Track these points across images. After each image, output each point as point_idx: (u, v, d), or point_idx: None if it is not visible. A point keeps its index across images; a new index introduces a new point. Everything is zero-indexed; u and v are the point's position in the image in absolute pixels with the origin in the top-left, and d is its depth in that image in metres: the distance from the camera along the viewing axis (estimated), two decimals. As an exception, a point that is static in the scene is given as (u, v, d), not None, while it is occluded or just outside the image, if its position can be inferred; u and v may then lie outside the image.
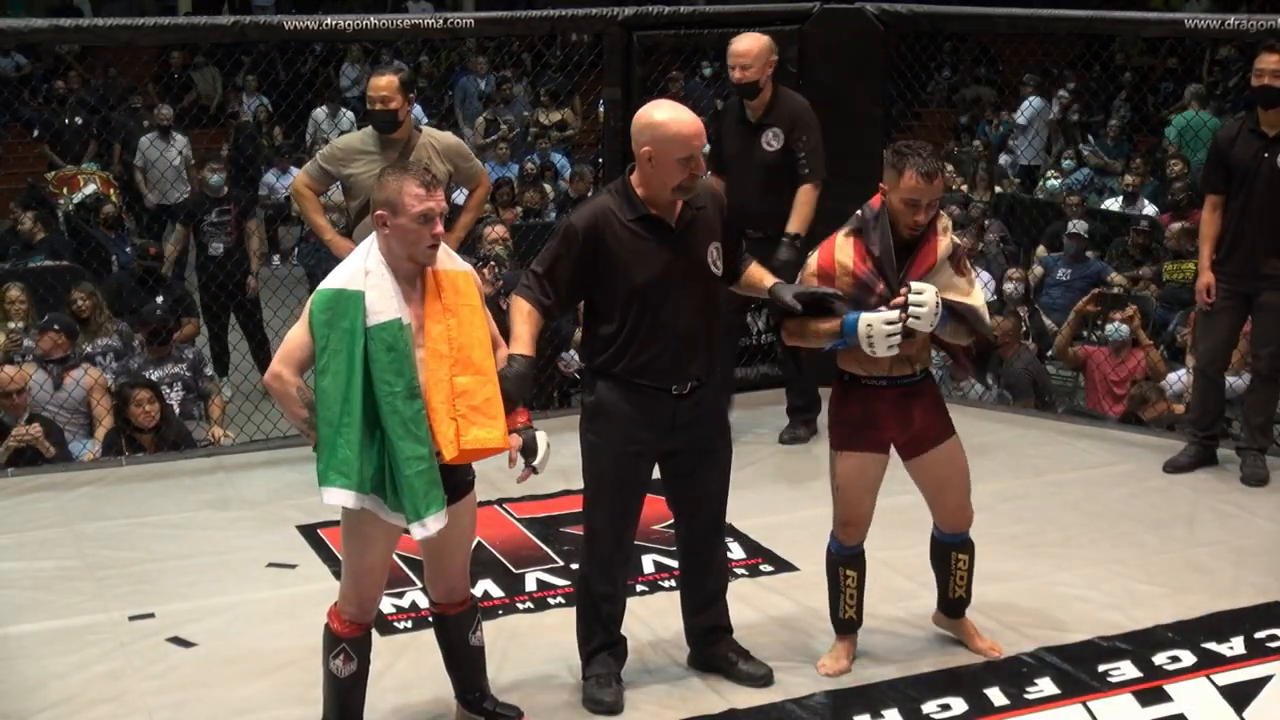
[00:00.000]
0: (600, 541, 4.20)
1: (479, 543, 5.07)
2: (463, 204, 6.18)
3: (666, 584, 4.98)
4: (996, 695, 4.23)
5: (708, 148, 4.33)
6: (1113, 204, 11.18)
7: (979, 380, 4.37)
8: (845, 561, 4.36)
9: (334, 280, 3.69)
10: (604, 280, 4.03)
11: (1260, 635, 4.57)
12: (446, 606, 3.98)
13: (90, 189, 12.06)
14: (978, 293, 4.21)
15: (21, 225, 9.97)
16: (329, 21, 6.69)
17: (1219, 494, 5.88)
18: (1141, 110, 13.80)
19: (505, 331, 3.99)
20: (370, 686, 3.96)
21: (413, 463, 3.62)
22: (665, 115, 3.99)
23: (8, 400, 6.54)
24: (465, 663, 4.04)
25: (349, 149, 5.89)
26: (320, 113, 12.97)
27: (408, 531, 3.69)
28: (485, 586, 5.01)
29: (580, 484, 4.25)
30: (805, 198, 6.04)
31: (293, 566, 5.28)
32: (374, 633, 3.95)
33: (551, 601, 4.95)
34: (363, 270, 3.68)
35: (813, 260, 4.22)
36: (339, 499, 3.65)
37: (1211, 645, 4.50)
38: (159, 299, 8.29)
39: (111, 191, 12.15)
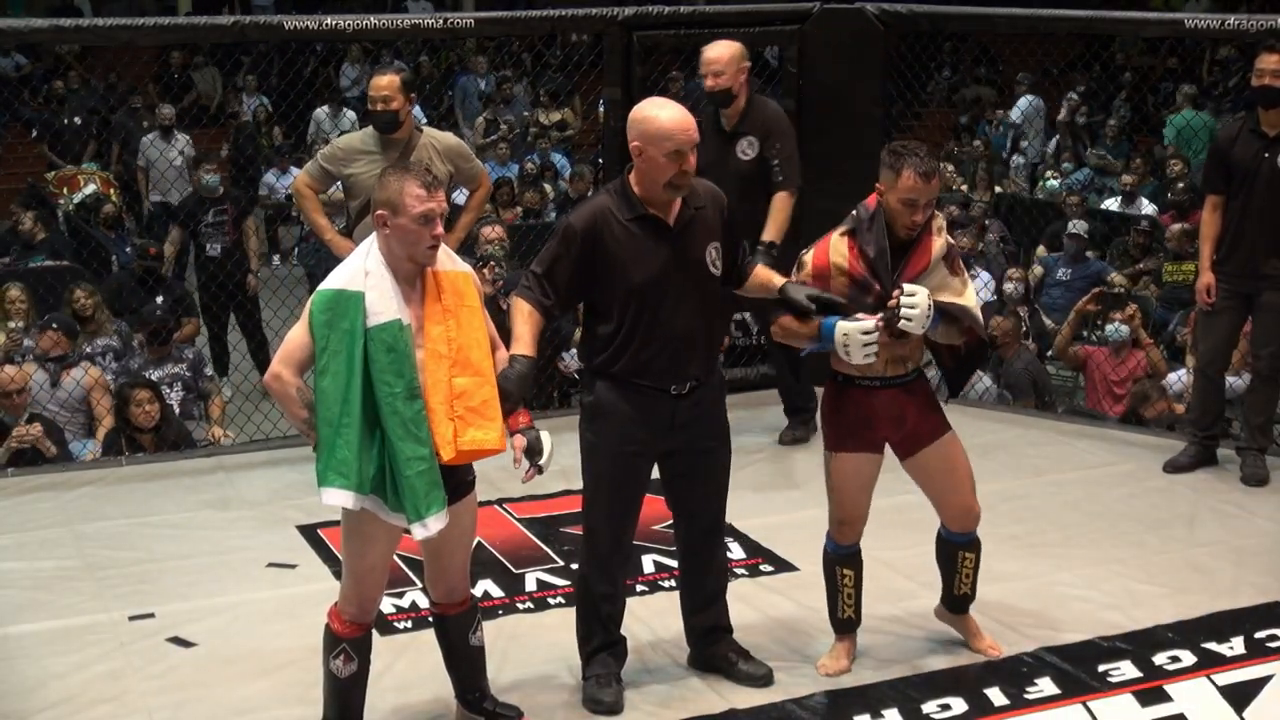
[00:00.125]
0: (599, 541, 4.20)
1: (479, 543, 5.07)
2: (463, 204, 6.19)
3: (666, 584, 4.98)
4: (996, 695, 4.23)
5: None
6: (1112, 204, 11.18)
7: (954, 389, 4.36)
8: (842, 561, 4.36)
9: (334, 281, 3.69)
10: (602, 280, 4.03)
11: (1260, 635, 4.57)
12: (447, 606, 3.98)
13: (90, 189, 12.07)
14: (970, 293, 4.21)
15: (22, 225, 9.96)
16: (329, 21, 6.70)
17: (1219, 494, 5.89)
18: (1141, 110, 13.80)
19: (505, 332, 3.99)
20: (370, 686, 3.96)
21: (413, 463, 3.62)
22: (653, 111, 4.00)
23: (8, 400, 6.55)
24: (465, 663, 4.04)
25: (350, 149, 5.89)
26: (322, 113, 12.97)
27: (408, 532, 3.69)
28: (485, 586, 5.01)
29: (580, 484, 4.25)
30: (780, 205, 5.99)
31: (293, 566, 5.28)
32: (374, 633, 3.95)
33: (551, 601, 4.95)
34: (362, 271, 3.68)
35: (807, 259, 4.21)
36: (338, 499, 3.65)
37: (1211, 645, 4.50)
38: (159, 299, 8.29)
39: (111, 191, 12.16)
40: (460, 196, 6.58)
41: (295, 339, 3.70)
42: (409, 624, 4.75)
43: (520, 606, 4.92)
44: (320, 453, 3.66)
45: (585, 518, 4.24)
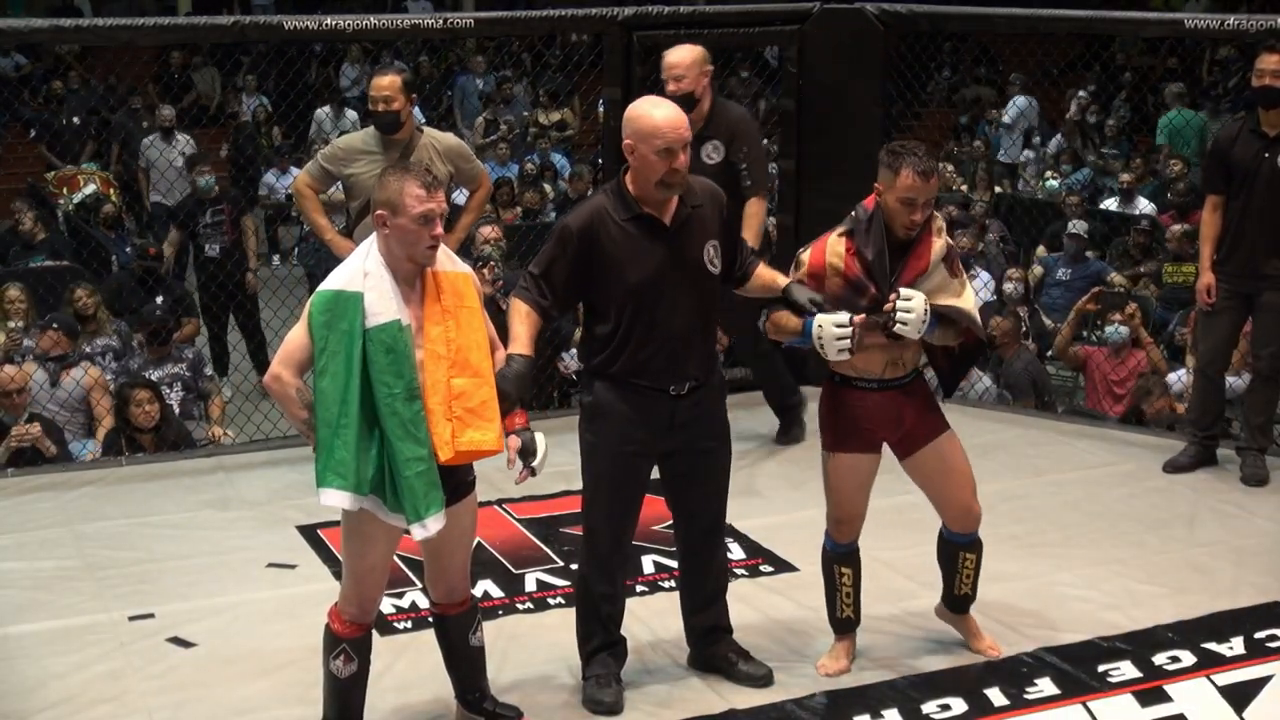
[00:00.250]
0: (599, 541, 4.20)
1: (479, 543, 5.07)
2: (463, 205, 6.19)
3: (666, 584, 4.98)
4: (996, 695, 4.23)
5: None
6: (1110, 204, 11.18)
7: (948, 390, 4.35)
8: (840, 559, 4.36)
9: (333, 281, 3.69)
10: (600, 280, 4.03)
11: (1260, 635, 4.57)
12: (447, 607, 3.98)
13: (90, 189, 12.07)
14: (968, 294, 4.21)
15: (22, 225, 9.96)
16: (329, 21, 6.69)
17: (1219, 494, 5.89)
18: (1141, 110, 13.81)
19: (504, 333, 3.99)
20: (370, 686, 3.96)
21: (412, 464, 3.62)
22: (645, 109, 4.00)
23: (7, 400, 6.54)
24: (465, 663, 4.04)
25: (350, 149, 5.89)
26: (323, 113, 12.97)
27: (408, 532, 3.69)
28: (485, 587, 5.01)
29: (580, 484, 4.25)
30: (754, 210, 5.87)
31: (293, 566, 5.28)
32: (374, 633, 3.95)
33: (551, 602, 4.95)
34: (362, 271, 3.68)
35: (804, 259, 4.21)
36: (336, 500, 3.65)
37: (1211, 645, 4.50)
38: (159, 299, 8.29)
39: (111, 191, 12.16)
40: (460, 197, 6.58)
41: (295, 340, 3.70)
42: (409, 624, 4.75)
43: (520, 607, 4.92)
44: (319, 453, 3.66)
45: (585, 518, 4.24)
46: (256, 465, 6.40)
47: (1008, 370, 7.60)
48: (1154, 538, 5.45)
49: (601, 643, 4.25)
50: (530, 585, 5.08)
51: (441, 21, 7.01)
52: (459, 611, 3.98)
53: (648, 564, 5.16)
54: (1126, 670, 4.35)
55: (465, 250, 7.39)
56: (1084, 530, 5.52)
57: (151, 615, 4.86)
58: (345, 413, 3.61)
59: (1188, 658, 4.42)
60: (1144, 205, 10.79)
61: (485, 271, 7.01)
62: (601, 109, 7.54)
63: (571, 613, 4.36)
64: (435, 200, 3.66)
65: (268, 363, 3.87)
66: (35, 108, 14.42)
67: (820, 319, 4.03)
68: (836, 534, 4.34)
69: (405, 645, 4.59)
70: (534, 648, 4.58)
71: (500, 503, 5.67)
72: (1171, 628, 4.62)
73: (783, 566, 5.19)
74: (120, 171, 12.86)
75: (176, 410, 7.13)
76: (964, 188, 11.04)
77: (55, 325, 7.13)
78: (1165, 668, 4.37)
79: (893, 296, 4.04)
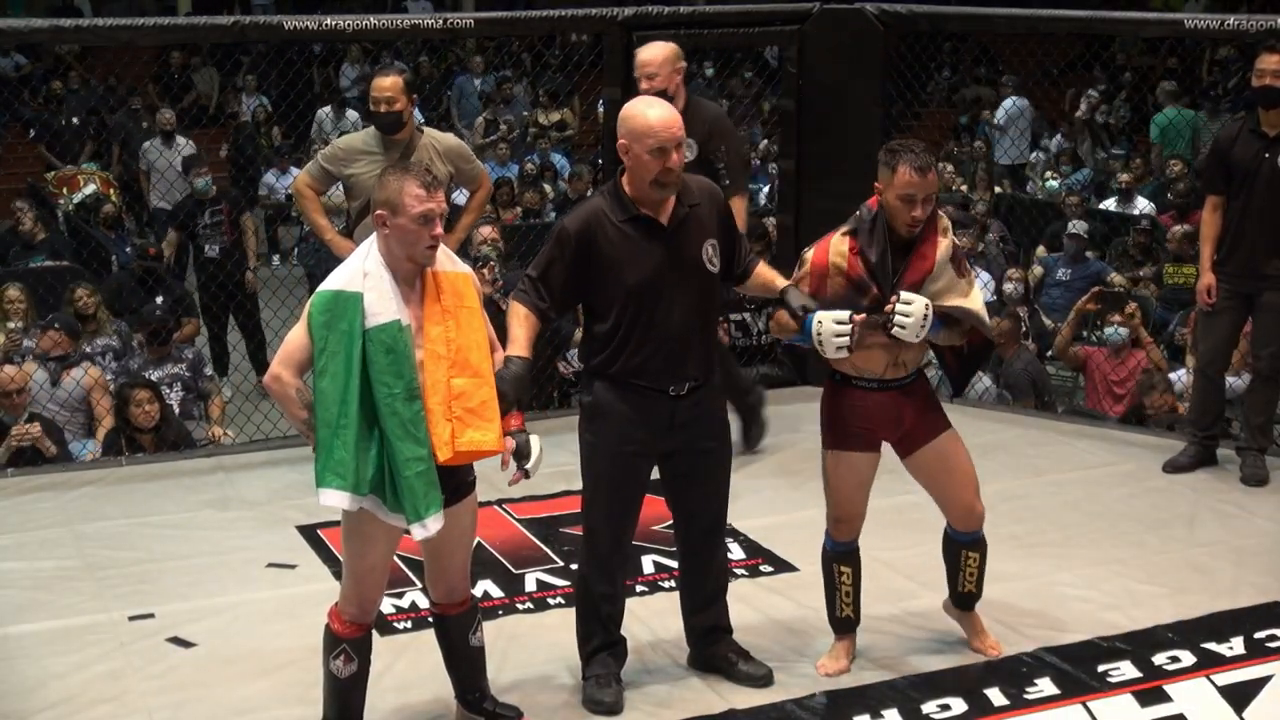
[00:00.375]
0: (599, 541, 4.20)
1: (479, 543, 5.07)
2: (464, 205, 6.19)
3: (666, 584, 4.98)
4: (996, 695, 4.23)
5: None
6: (1109, 203, 11.19)
7: (958, 388, 4.35)
8: (839, 558, 4.36)
9: (333, 282, 3.69)
10: (597, 282, 4.02)
11: (1260, 635, 4.56)
12: (447, 607, 3.98)
13: (90, 189, 12.08)
14: (976, 294, 4.20)
15: (22, 225, 9.97)
16: (329, 21, 6.69)
17: (1219, 494, 5.89)
18: (1141, 110, 13.81)
19: (503, 334, 3.99)
20: (370, 686, 3.96)
21: (412, 464, 3.62)
22: (638, 109, 4.00)
23: (7, 400, 6.55)
24: (465, 663, 4.04)
25: (350, 149, 5.89)
26: (324, 113, 12.98)
27: (408, 532, 3.69)
28: (485, 587, 5.01)
29: (580, 484, 4.25)
30: (735, 209, 5.80)
31: (293, 566, 5.28)
32: (374, 633, 3.95)
33: (551, 602, 4.95)
34: (361, 272, 3.68)
35: (808, 257, 4.21)
36: (335, 500, 3.65)
37: (1211, 645, 4.49)
38: (159, 299, 8.29)
39: (111, 191, 12.16)
40: (460, 197, 6.58)
41: (294, 340, 3.70)
42: (409, 624, 4.75)
43: (520, 607, 4.92)
44: (318, 453, 3.66)
45: (585, 518, 4.24)
46: (256, 465, 6.40)
47: (1008, 370, 7.60)
48: (1154, 538, 5.45)
49: (601, 643, 4.25)
50: (530, 585, 5.08)
51: (441, 21, 7.01)
52: (459, 611, 3.98)
53: (648, 564, 5.16)
54: (1126, 670, 4.35)
55: (463, 251, 7.39)
56: (1084, 530, 5.52)
57: (151, 615, 4.86)
58: (345, 413, 3.61)
59: (1188, 658, 4.42)
60: (1143, 205, 10.80)
61: (485, 271, 7.01)
62: (601, 109, 7.54)
63: (571, 613, 4.36)
64: (435, 200, 3.66)
65: (268, 363, 3.87)
66: (35, 108, 14.42)
67: (820, 315, 4.03)
68: (836, 533, 4.34)
69: (405, 645, 4.59)
70: (534, 648, 4.58)
71: (500, 503, 5.67)
72: (1171, 628, 4.62)
73: (783, 566, 5.20)
74: (120, 172, 12.86)
75: (176, 410, 7.13)
76: (964, 188, 11.04)
77: (57, 325, 7.13)
78: (1165, 668, 4.37)
79: (893, 298, 4.04)
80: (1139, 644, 4.52)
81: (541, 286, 4.04)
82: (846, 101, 7.03)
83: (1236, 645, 4.50)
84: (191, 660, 4.57)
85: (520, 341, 3.98)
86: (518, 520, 5.64)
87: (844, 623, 4.42)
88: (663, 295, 4.00)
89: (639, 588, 4.95)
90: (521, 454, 3.89)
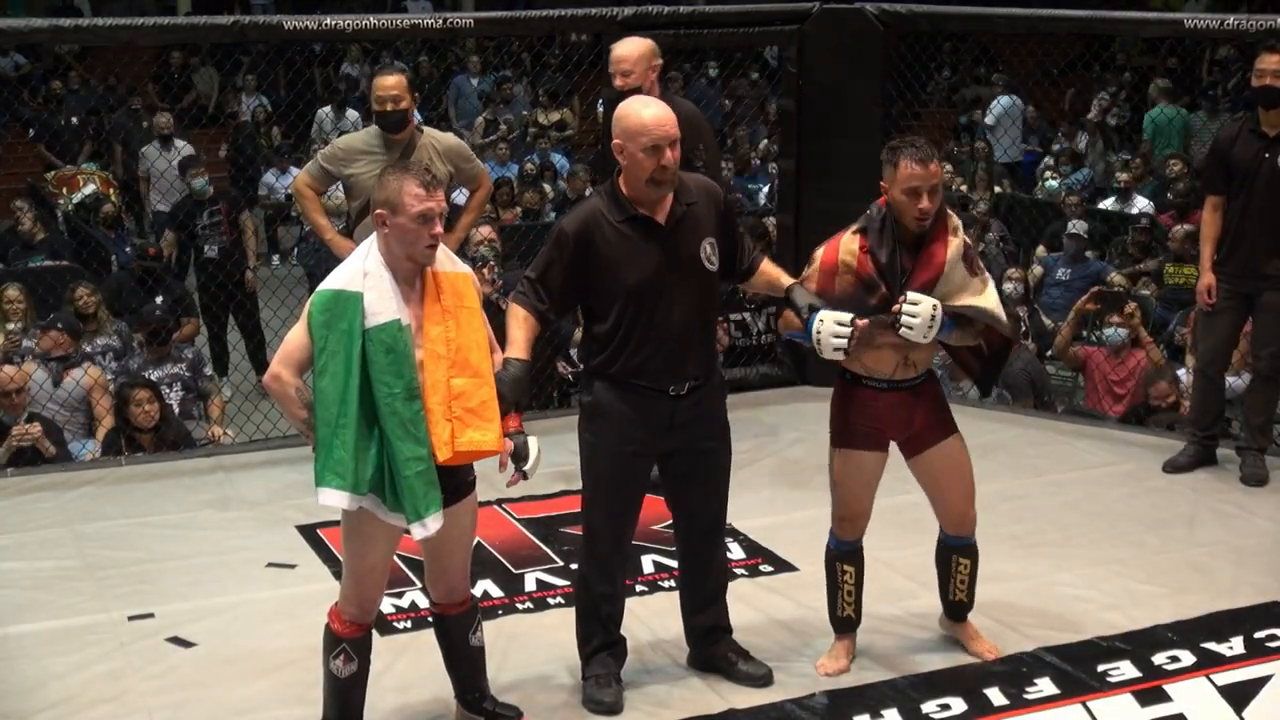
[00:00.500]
0: (599, 541, 4.20)
1: (479, 543, 5.07)
2: (464, 205, 6.19)
3: (666, 584, 4.98)
4: (996, 695, 4.22)
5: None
6: (1108, 203, 11.19)
7: (984, 389, 4.34)
8: (843, 557, 4.36)
9: (333, 281, 3.70)
10: (596, 283, 4.02)
11: (1260, 635, 4.56)
12: (447, 607, 3.98)
13: (90, 189, 12.07)
14: (990, 293, 4.18)
15: (22, 225, 9.96)
16: (328, 21, 6.70)
17: (1219, 494, 5.89)
18: (1142, 110, 13.81)
19: (502, 334, 3.99)
20: (370, 686, 3.96)
21: (412, 463, 3.62)
22: (632, 108, 4.00)
23: (7, 400, 6.54)
24: (465, 663, 4.04)
25: (350, 149, 5.89)
26: (323, 113, 12.98)
27: (408, 532, 3.69)
28: (485, 586, 5.01)
29: (580, 484, 4.25)
30: None
31: (292, 566, 5.28)
32: (374, 633, 3.95)
33: (551, 601, 4.95)
34: (361, 271, 3.68)
35: (818, 255, 4.21)
36: (334, 500, 3.65)
37: (1211, 645, 4.49)
38: (159, 299, 8.30)
39: (111, 191, 12.16)
40: (460, 197, 6.58)
41: (294, 339, 3.70)
42: (409, 624, 4.75)
43: (520, 606, 4.92)
44: (318, 453, 3.66)
45: (585, 518, 4.24)
46: (256, 465, 6.40)
47: (1007, 370, 7.59)
48: (1154, 538, 5.45)
49: (601, 643, 4.25)
50: (530, 585, 5.08)
51: (441, 21, 7.01)
52: (459, 611, 3.98)
53: (648, 564, 5.16)
54: (1126, 670, 4.35)
55: (460, 252, 7.39)
56: (1084, 530, 5.52)
57: (151, 615, 4.86)
58: (345, 412, 3.61)
59: (1187, 657, 4.42)
60: (1141, 204, 10.80)
61: (485, 271, 7.01)
62: (601, 109, 7.54)
63: (571, 613, 4.36)
64: (434, 199, 3.66)
65: (267, 363, 3.87)
66: (35, 108, 14.42)
67: (823, 315, 4.03)
68: (840, 531, 4.34)
69: (405, 645, 4.59)
70: (534, 648, 4.58)
71: (500, 503, 5.67)
72: (1171, 628, 4.62)
73: (783, 566, 5.19)
74: (120, 172, 12.85)
75: (176, 410, 7.13)
76: (964, 188, 11.03)
77: (59, 325, 7.13)
78: (1165, 667, 4.37)
79: (901, 299, 4.04)
80: (1139, 644, 4.51)
81: (540, 288, 4.04)
82: (846, 101, 7.03)
83: (1236, 645, 4.50)
84: (191, 660, 4.57)
85: (519, 343, 3.98)
86: (517, 520, 5.64)
87: (845, 622, 4.42)
88: (662, 295, 4.00)
89: (639, 588, 4.95)
90: (520, 455, 3.89)
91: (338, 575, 4.03)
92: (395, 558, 4.18)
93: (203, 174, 9.52)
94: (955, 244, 4.13)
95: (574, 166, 12.23)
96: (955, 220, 4.19)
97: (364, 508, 3.67)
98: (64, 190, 12.20)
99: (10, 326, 7.53)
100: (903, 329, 4.02)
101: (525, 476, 3.93)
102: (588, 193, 6.09)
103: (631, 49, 5.68)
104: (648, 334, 4.01)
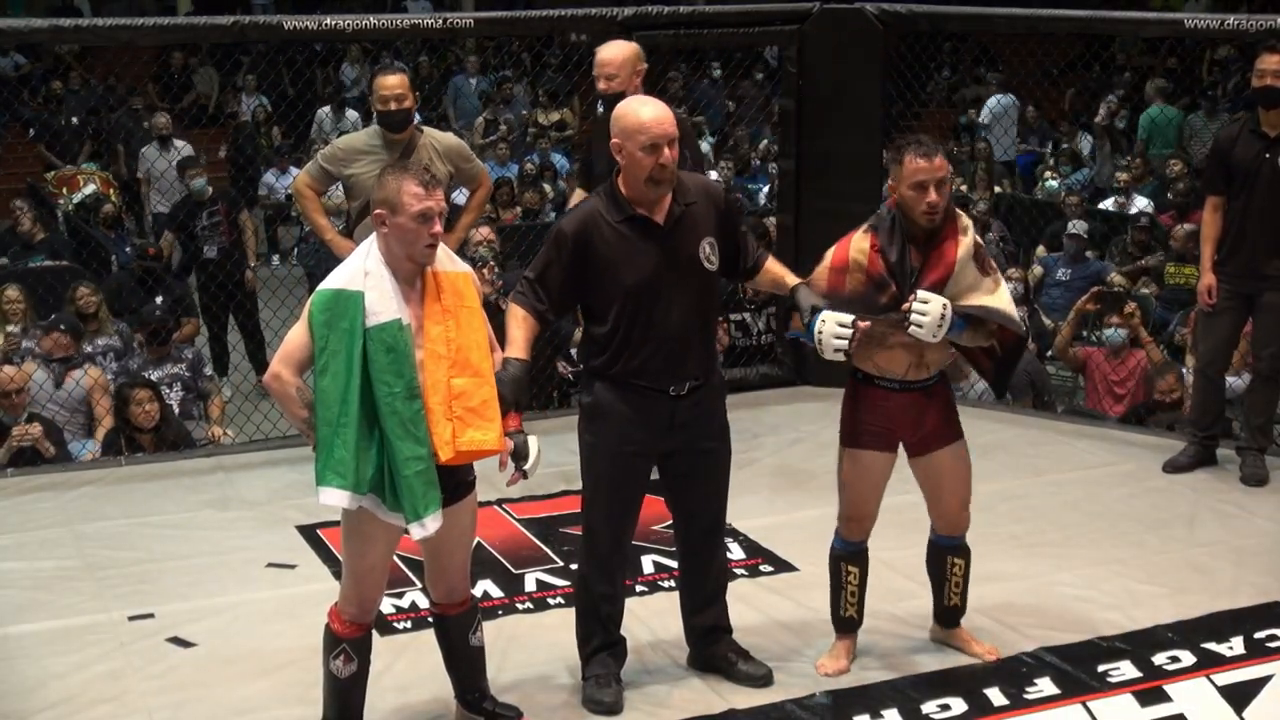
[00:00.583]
0: (599, 541, 4.20)
1: (479, 543, 5.07)
2: (464, 205, 6.19)
3: (666, 584, 4.97)
4: (996, 695, 4.22)
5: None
6: (1108, 203, 11.19)
7: (999, 390, 4.33)
8: (848, 558, 4.35)
9: (333, 281, 3.70)
10: (595, 283, 4.02)
11: (1260, 635, 4.56)
12: (447, 607, 3.98)
13: (90, 189, 12.07)
14: (1003, 292, 4.17)
15: (22, 225, 9.96)
16: (328, 21, 6.70)
17: (1219, 494, 5.89)
18: (1140, 110, 13.80)
19: (501, 335, 3.99)
20: (370, 686, 3.96)
21: (411, 463, 3.62)
22: (631, 107, 4.00)
23: (7, 400, 6.54)
24: (465, 663, 4.04)
25: (350, 149, 5.89)
26: (323, 113, 12.97)
27: (407, 532, 3.69)
28: (485, 587, 5.01)
29: (580, 484, 4.25)
30: None
31: (292, 566, 5.28)
32: (374, 633, 3.95)
33: (551, 602, 4.94)
34: (362, 271, 3.68)
35: (829, 254, 4.20)
36: (334, 499, 3.65)
37: (1211, 645, 4.49)
38: (159, 299, 8.30)
39: (111, 191, 12.15)
40: (460, 197, 6.57)
41: (295, 339, 3.70)
42: (409, 624, 4.75)
43: (520, 607, 4.92)
44: (319, 452, 3.66)
45: (585, 518, 4.24)
46: (256, 465, 6.40)
47: (1009, 370, 7.58)
48: (1154, 538, 5.44)
49: (601, 643, 4.25)
50: (530, 585, 5.08)
51: (441, 21, 7.01)
52: (459, 611, 3.98)
53: (648, 564, 5.16)
54: (1126, 670, 4.35)
55: (460, 252, 7.39)
56: (1084, 530, 5.52)
57: (151, 615, 4.86)
58: (345, 412, 3.61)
59: (1187, 658, 4.42)
60: (1141, 203, 10.80)
61: (485, 271, 7.01)
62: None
63: (571, 613, 4.36)
64: (433, 198, 3.66)
65: (267, 363, 3.87)
66: (35, 108, 14.41)
67: (825, 315, 4.03)
68: (846, 532, 4.34)
69: (405, 645, 4.59)
70: (534, 648, 4.58)
71: (500, 503, 5.67)
72: (1171, 628, 4.62)
73: (783, 566, 5.19)
74: (120, 171, 12.85)
75: (176, 410, 7.13)
76: (964, 188, 11.03)
77: (61, 326, 7.12)
78: (1165, 668, 4.37)
79: (910, 298, 4.04)
80: (1139, 644, 4.51)
81: (539, 288, 4.04)
82: (846, 101, 7.03)
83: (1236, 645, 4.50)
84: (191, 660, 4.57)
85: (518, 343, 3.98)
86: (517, 520, 5.64)
87: (846, 622, 4.42)
88: (661, 295, 4.00)
89: (639, 588, 4.95)
90: (520, 455, 3.89)
91: (337, 575, 4.03)
92: (395, 558, 4.18)
93: (201, 174, 9.52)
94: (966, 243, 4.13)
95: (573, 167, 12.22)
96: (966, 220, 4.18)
97: (364, 507, 3.67)
98: (64, 190, 12.20)
99: (10, 327, 7.53)
100: (912, 328, 4.02)
101: (525, 476, 3.93)
102: (572, 198, 6.07)
103: (616, 53, 5.65)
104: (647, 334, 4.01)
